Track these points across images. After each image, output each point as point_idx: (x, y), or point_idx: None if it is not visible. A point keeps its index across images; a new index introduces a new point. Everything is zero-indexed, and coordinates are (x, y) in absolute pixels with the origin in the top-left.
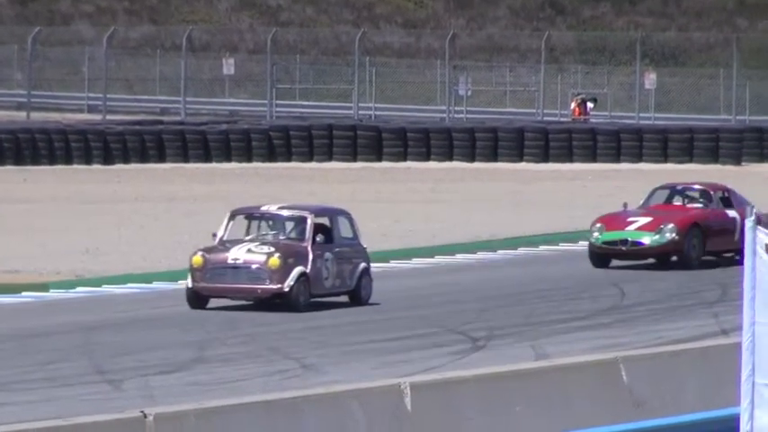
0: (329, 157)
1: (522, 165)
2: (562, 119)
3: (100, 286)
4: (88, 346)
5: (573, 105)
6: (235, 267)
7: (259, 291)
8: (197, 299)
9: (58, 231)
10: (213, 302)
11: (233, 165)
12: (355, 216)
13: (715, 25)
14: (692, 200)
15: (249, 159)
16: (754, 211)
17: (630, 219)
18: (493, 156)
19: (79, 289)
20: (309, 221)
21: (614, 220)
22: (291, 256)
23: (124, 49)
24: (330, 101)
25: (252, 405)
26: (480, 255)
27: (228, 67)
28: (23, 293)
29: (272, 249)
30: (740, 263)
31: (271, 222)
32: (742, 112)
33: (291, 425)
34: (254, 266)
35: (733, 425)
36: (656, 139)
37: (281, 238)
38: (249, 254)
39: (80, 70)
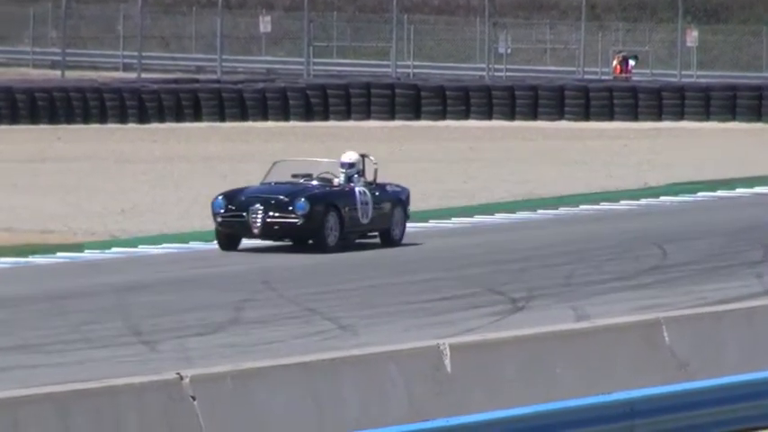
0: (367, 115)
1: (563, 123)
2: (603, 77)
3: (135, 246)
4: (123, 307)
5: (614, 63)
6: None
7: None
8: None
9: (93, 191)
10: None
11: (269, 124)
12: (393, 173)
13: None
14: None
15: (286, 118)
16: None
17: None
18: (533, 114)
19: (114, 249)
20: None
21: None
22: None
23: (160, 6)
24: (368, 59)
25: (289, 367)
26: (520, 214)
27: (265, 24)
28: (58, 254)
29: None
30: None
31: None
32: None
33: (329, 386)
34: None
35: None
36: (698, 98)
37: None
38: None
39: (115, 28)
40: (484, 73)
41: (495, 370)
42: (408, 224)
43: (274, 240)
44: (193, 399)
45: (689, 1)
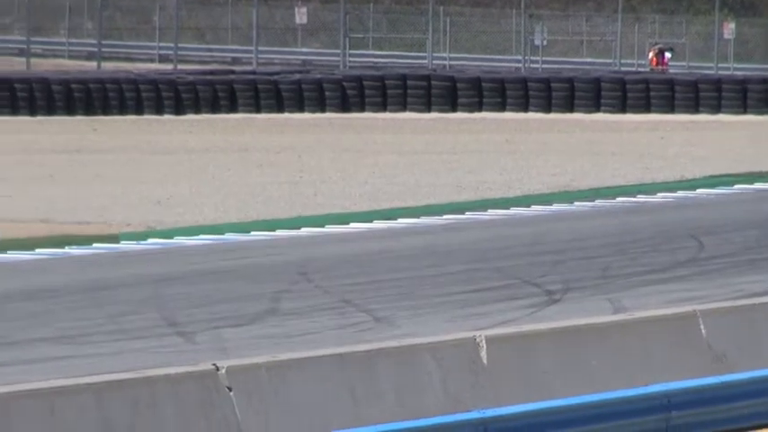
0: (403, 107)
1: (599, 115)
2: (639, 69)
3: (171, 238)
4: (159, 298)
5: (650, 55)
6: None
7: None
8: None
9: (129, 182)
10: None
11: (305, 115)
12: (430, 165)
13: None
14: None
15: (322, 110)
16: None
17: None
18: (569, 106)
19: (150, 240)
20: None
21: None
22: None
23: None
24: (404, 50)
25: (325, 358)
26: (556, 206)
27: (301, 15)
28: (94, 245)
29: None
30: None
31: None
32: None
33: (365, 378)
34: None
35: None
36: (735, 90)
37: None
38: None
39: (151, 19)
40: (520, 65)
41: (531, 362)
42: (444, 216)
43: None
44: (229, 390)
45: None
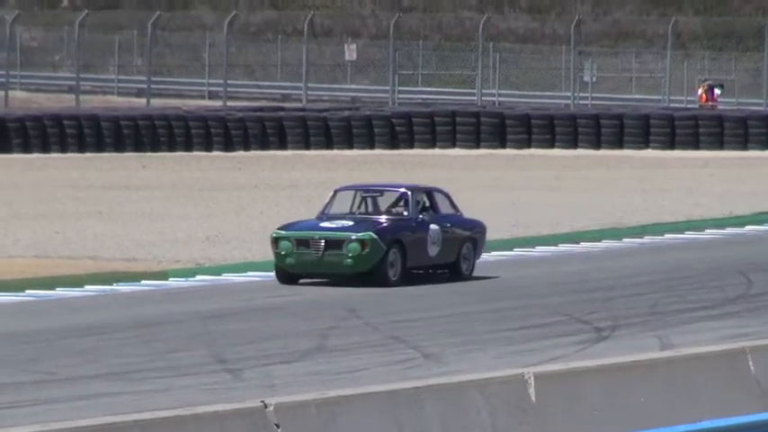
0: (452, 143)
1: (648, 152)
2: (689, 105)
3: (220, 274)
4: (208, 335)
5: (700, 92)
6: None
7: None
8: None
9: (178, 219)
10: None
11: (355, 152)
12: (481, 202)
13: None
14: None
15: (371, 146)
16: None
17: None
18: (618, 143)
19: (199, 277)
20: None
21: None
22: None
23: (245, 34)
24: (453, 87)
25: (373, 395)
26: (605, 243)
27: (350, 52)
28: (142, 282)
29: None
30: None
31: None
32: None
33: (413, 415)
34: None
35: None
36: None
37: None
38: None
39: (200, 56)
40: (569, 101)
41: (579, 399)
42: (493, 252)
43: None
44: (277, 426)
45: None
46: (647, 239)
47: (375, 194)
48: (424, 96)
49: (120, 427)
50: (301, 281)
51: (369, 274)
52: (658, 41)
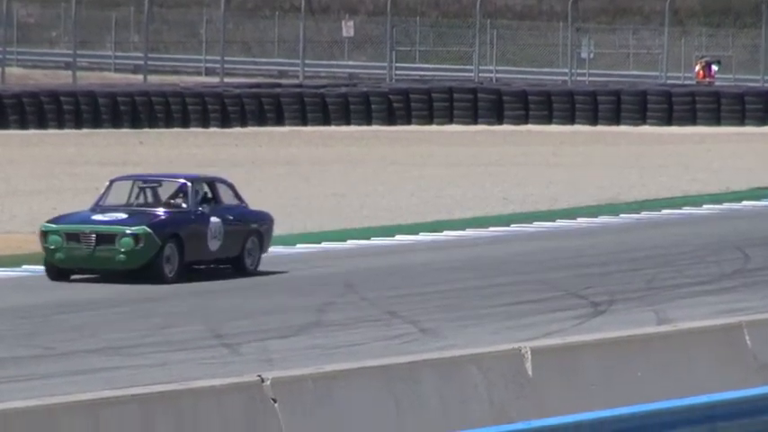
0: (449, 119)
1: (645, 128)
2: (686, 81)
3: None
4: (205, 310)
5: (697, 68)
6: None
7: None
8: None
9: None
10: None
11: (352, 128)
12: (476, 178)
13: None
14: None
15: (368, 122)
16: None
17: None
18: (615, 119)
19: None
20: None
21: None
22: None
23: (242, 10)
24: (450, 63)
25: (370, 370)
26: (602, 219)
27: (348, 29)
28: None
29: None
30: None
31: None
32: None
33: (410, 389)
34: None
35: None
36: None
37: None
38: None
39: (198, 32)
40: (566, 78)
41: (575, 373)
42: (490, 228)
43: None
44: (274, 401)
45: None
46: (644, 215)
47: (154, 185)
48: (422, 73)
49: (117, 402)
50: (73, 277)
51: (143, 270)
52: (656, 18)
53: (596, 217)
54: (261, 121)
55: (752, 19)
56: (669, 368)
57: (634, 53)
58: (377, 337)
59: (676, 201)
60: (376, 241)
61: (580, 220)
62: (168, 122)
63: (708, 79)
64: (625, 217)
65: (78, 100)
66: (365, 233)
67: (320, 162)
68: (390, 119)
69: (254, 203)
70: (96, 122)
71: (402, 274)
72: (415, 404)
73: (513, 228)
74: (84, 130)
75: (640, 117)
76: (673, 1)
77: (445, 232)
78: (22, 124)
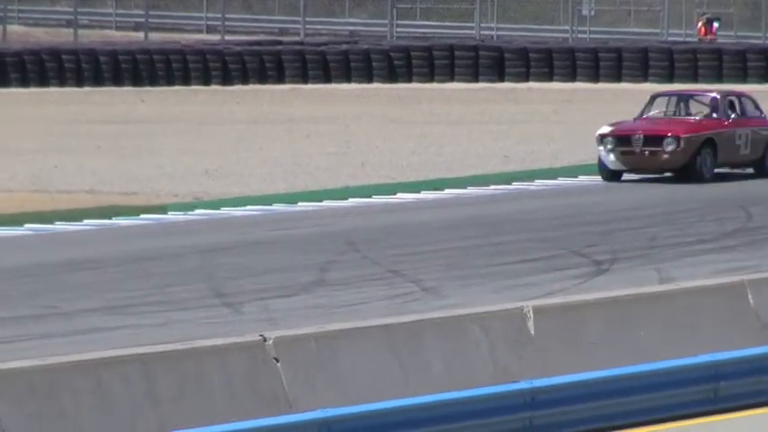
0: (450, 77)
1: (647, 85)
2: (687, 39)
3: (218, 209)
4: (207, 269)
5: (698, 25)
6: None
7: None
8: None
9: (176, 153)
10: None
11: (353, 86)
12: (477, 136)
13: None
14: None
15: (369, 80)
16: None
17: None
18: (617, 76)
19: (197, 211)
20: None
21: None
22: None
23: None
24: (451, 21)
25: (373, 329)
26: None
27: None
28: (141, 216)
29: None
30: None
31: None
32: None
33: (412, 349)
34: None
35: None
36: None
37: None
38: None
39: None
40: (567, 35)
41: (578, 332)
42: (492, 186)
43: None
44: (276, 360)
45: None
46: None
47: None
48: (423, 30)
49: (119, 362)
50: None
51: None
52: None
53: (598, 175)
54: (262, 78)
55: None
56: (672, 327)
57: (635, 10)
58: (379, 297)
59: None
60: (377, 199)
61: (582, 178)
62: (169, 80)
63: (709, 36)
64: (626, 176)
65: (80, 58)
66: (366, 191)
67: (321, 120)
68: (391, 76)
69: (256, 161)
70: (98, 80)
71: (404, 232)
72: (417, 364)
73: (515, 186)
74: (86, 88)
75: (642, 74)
76: None
77: (446, 190)
78: (23, 82)
